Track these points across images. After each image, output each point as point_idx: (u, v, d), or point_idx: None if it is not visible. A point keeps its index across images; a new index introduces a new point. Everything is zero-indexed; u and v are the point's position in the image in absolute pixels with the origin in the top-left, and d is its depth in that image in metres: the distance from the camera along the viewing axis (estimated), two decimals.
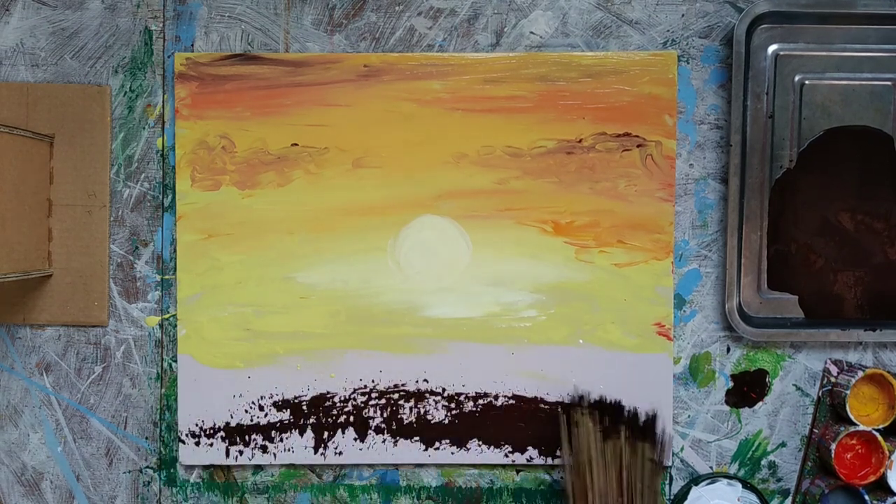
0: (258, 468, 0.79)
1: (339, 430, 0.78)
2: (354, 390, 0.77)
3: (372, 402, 0.77)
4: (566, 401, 0.76)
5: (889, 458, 0.74)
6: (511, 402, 0.77)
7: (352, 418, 0.77)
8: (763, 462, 0.78)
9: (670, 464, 0.77)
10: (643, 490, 0.72)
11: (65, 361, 0.79)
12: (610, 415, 0.75)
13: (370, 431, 0.77)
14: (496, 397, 0.77)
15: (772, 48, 0.75)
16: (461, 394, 0.77)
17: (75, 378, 0.79)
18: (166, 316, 0.79)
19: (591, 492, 0.71)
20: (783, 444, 0.78)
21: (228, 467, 0.79)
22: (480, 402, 0.77)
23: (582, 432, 0.73)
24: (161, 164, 0.78)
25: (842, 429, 0.74)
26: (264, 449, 0.78)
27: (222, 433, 0.78)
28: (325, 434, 0.78)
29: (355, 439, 0.77)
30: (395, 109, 0.77)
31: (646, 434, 0.74)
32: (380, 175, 0.77)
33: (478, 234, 0.77)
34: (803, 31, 0.75)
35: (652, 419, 0.75)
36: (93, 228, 0.78)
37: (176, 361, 0.78)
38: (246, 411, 0.78)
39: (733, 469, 0.78)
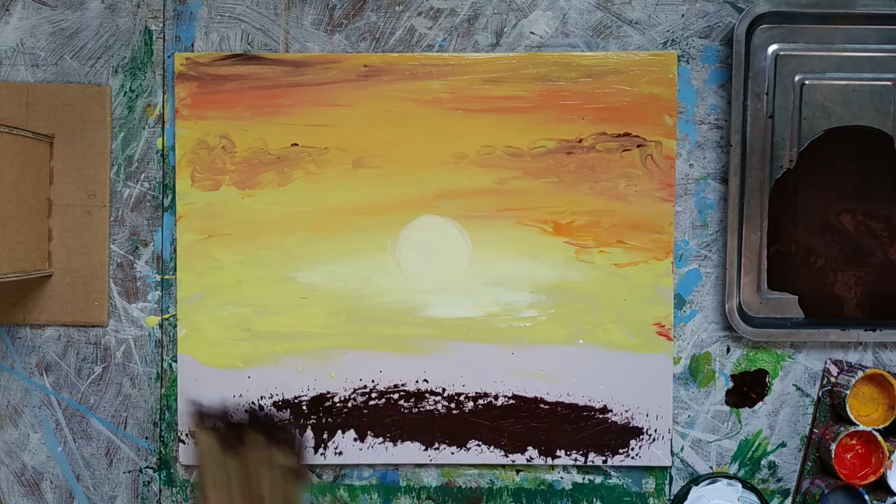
0: None
1: (339, 430, 0.78)
2: (354, 390, 0.77)
3: (372, 402, 0.77)
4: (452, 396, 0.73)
5: (889, 458, 0.74)
6: (511, 402, 0.77)
7: (352, 418, 0.77)
8: (763, 462, 0.78)
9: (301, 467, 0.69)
10: (273, 500, 0.63)
11: (65, 361, 0.79)
12: (236, 424, 0.66)
13: (370, 431, 0.77)
14: (496, 397, 0.77)
15: (772, 48, 0.75)
16: (461, 394, 0.77)
17: (75, 378, 0.79)
18: (166, 316, 0.79)
19: None
20: (783, 444, 0.78)
21: None
22: (480, 402, 0.77)
23: (202, 450, 0.64)
24: (161, 164, 0.78)
25: (842, 429, 0.74)
26: None
27: None
28: (325, 434, 0.78)
29: (355, 439, 0.77)
30: (395, 109, 0.77)
31: (279, 440, 0.65)
32: (380, 175, 0.77)
33: (478, 234, 0.77)
34: (803, 31, 0.75)
35: (285, 423, 0.71)
36: (93, 228, 0.78)
37: (176, 361, 0.78)
38: (246, 411, 0.78)
39: (733, 469, 0.78)
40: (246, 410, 0.71)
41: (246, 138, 0.77)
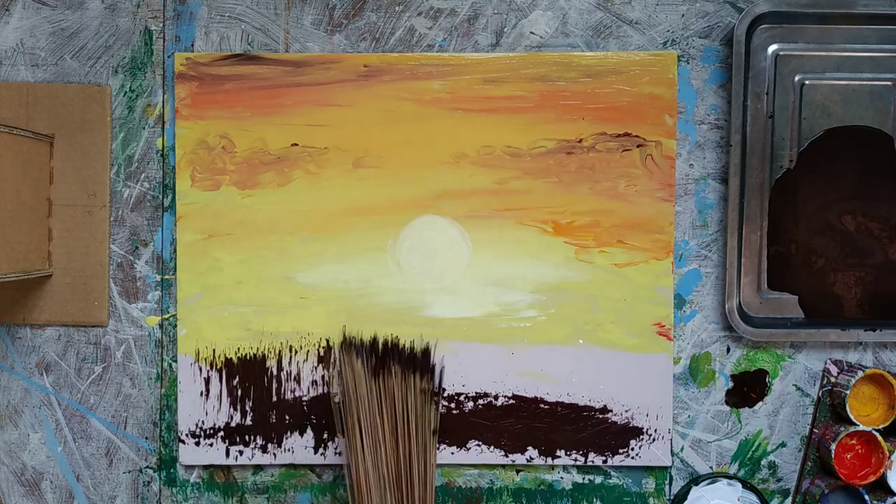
0: (258, 468, 0.79)
1: (340, 431, 0.77)
2: None
3: None
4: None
5: (889, 458, 0.74)
6: (511, 402, 0.77)
7: None
8: (763, 462, 0.78)
9: (438, 390, 0.76)
10: (416, 420, 0.72)
11: (65, 361, 0.79)
12: (384, 353, 0.74)
13: None
14: (496, 397, 0.77)
15: (772, 48, 0.75)
16: (461, 394, 0.77)
17: (75, 378, 0.79)
18: (166, 316, 0.79)
19: (360, 429, 0.71)
20: (783, 444, 0.78)
21: (228, 467, 0.79)
22: (480, 402, 0.77)
23: (348, 373, 0.73)
24: (161, 164, 0.78)
25: (842, 429, 0.74)
26: (264, 449, 0.78)
27: (222, 433, 0.78)
28: (325, 434, 0.78)
29: None
30: (395, 109, 0.77)
31: (418, 366, 0.74)
32: (380, 175, 0.77)
33: (478, 234, 0.77)
34: (803, 31, 0.75)
35: (425, 351, 0.75)
36: (93, 228, 0.78)
37: (176, 361, 0.78)
38: (246, 412, 0.78)
39: (733, 469, 0.78)
40: (386, 343, 0.75)
41: (246, 138, 0.77)
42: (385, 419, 0.72)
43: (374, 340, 0.75)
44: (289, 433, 0.78)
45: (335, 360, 0.76)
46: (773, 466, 0.78)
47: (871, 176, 0.76)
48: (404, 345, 0.75)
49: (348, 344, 0.75)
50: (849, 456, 0.75)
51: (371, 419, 0.71)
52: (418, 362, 0.74)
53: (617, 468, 0.78)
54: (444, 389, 0.76)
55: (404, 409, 0.72)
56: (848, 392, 0.74)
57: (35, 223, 0.75)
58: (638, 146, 0.76)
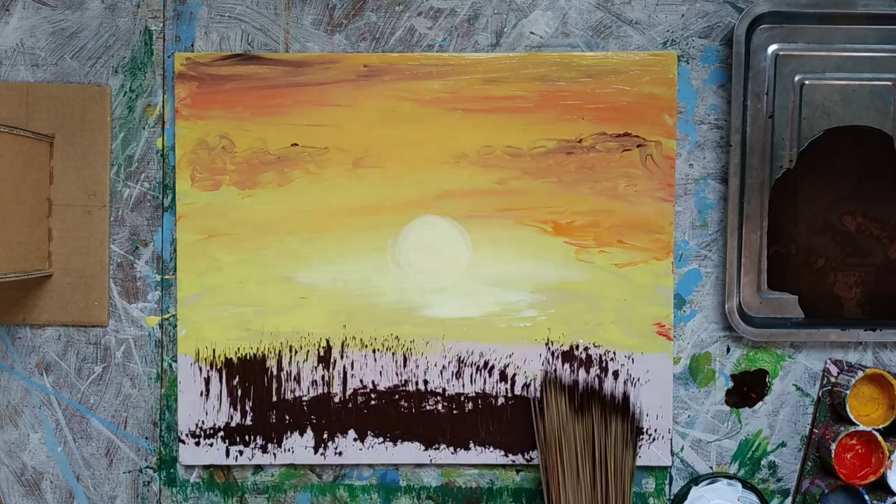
0: (258, 468, 0.79)
1: (339, 431, 0.78)
2: (354, 391, 0.77)
3: (372, 403, 0.77)
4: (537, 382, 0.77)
5: (889, 458, 0.74)
6: (511, 402, 0.77)
7: (352, 419, 0.77)
8: (763, 462, 0.78)
9: (637, 435, 0.76)
10: (614, 465, 0.73)
11: (65, 361, 0.79)
12: (582, 394, 0.75)
13: (370, 432, 0.77)
14: (496, 397, 0.77)
15: (772, 48, 0.75)
16: (461, 394, 0.77)
17: (75, 378, 0.79)
18: (166, 316, 0.79)
19: (563, 469, 0.72)
20: (783, 444, 0.78)
21: (228, 467, 0.79)
22: (480, 402, 0.77)
23: (552, 411, 0.74)
24: (161, 164, 0.78)
25: (842, 429, 0.74)
26: (264, 449, 0.78)
27: (222, 433, 0.78)
28: (326, 434, 0.78)
29: (355, 439, 0.78)
30: (395, 109, 0.77)
31: (618, 410, 0.75)
32: (380, 175, 0.77)
33: (478, 234, 0.77)
34: (803, 31, 0.75)
35: (625, 396, 0.76)
36: (93, 228, 0.78)
37: (176, 361, 0.78)
38: (246, 412, 0.78)
39: (733, 469, 0.78)
40: (585, 384, 0.76)
41: (246, 138, 0.77)
42: (585, 458, 0.72)
43: (576, 382, 0.76)
44: (289, 433, 0.78)
45: (538, 396, 0.76)
46: (773, 466, 0.78)
47: (871, 176, 0.76)
48: (605, 388, 0.76)
49: (552, 381, 0.76)
50: (849, 456, 0.75)
51: (572, 457, 0.72)
52: (618, 405, 0.75)
53: None
54: (643, 430, 0.76)
55: (602, 452, 0.73)
56: (848, 392, 0.74)
57: (35, 223, 0.75)
58: (638, 146, 0.76)
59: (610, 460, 0.72)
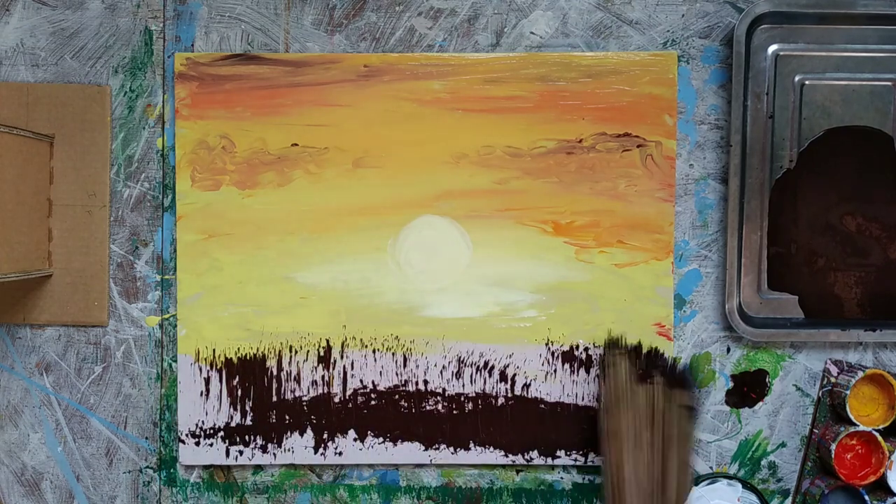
0: (258, 468, 0.79)
1: (340, 431, 0.78)
2: (354, 391, 0.77)
3: (372, 403, 0.77)
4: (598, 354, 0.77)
5: (889, 458, 0.74)
6: (511, 402, 0.77)
7: (352, 419, 0.77)
8: (763, 462, 0.78)
9: (697, 409, 0.76)
10: (676, 436, 0.72)
11: (65, 361, 0.79)
12: (645, 361, 0.75)
13: (370, 432, 0.77)
14: (496, 397, 0.77)
15: (772, 48, 0.75)
16: (461, 394, 0.77)
17: (75, 378, 0.79)
18: (166, 316, 0.79)
19: (624, 431, 0.71)
20: (783, 445, 0.78)
21: (228, 467, 0.79)
22: (480, 402, 0.77)
23: (617, 372, 0.73)
24: (161, 164, 0.78)
25: (842, 429, 0.74)
26: (264, 449, 0.78)
27: (222, 433, 0.78)
28: (326, 434, 0.78)
29: (355, 439, 0.78)
30: (395, 109, 0.77)
31: (680, 382, 0.73)
32: (380, 175, 0.77)
33: (478, 234, 0.77)
34: (803, 32, 0.75)
35: (685, 368, 0.76)
36: (93, 228, 0.78)
37: (176, 361, 0.78)
38: (246, 412, 0.78)
39: (733, 469, 0.78)
40: (650, 351, 0.76)
41: (246, 138, 0.77)
42: (645, 427, 0.71)
43: (640, 345, 0.76)
44: (289, 433, 0.78)
45: (600, 362, 0.75)
46: (773, 466, 0.78)
47: (871, 176, 0.76)
48: (667, 357, 0.75)
49: (614, 345, 0.75)
50: (849, 456, 0.75)
51: (635, 425, 0.71)
52: (679, 377, 0.73)
53: None
54: (698, 407, 0.76)
55: (662, 422, 0.71)
56: (848, 392, 0.74)
57: (35, 223, 0.75)
58: (638, 146, 0.76)
59: (673, 429, 0.71)
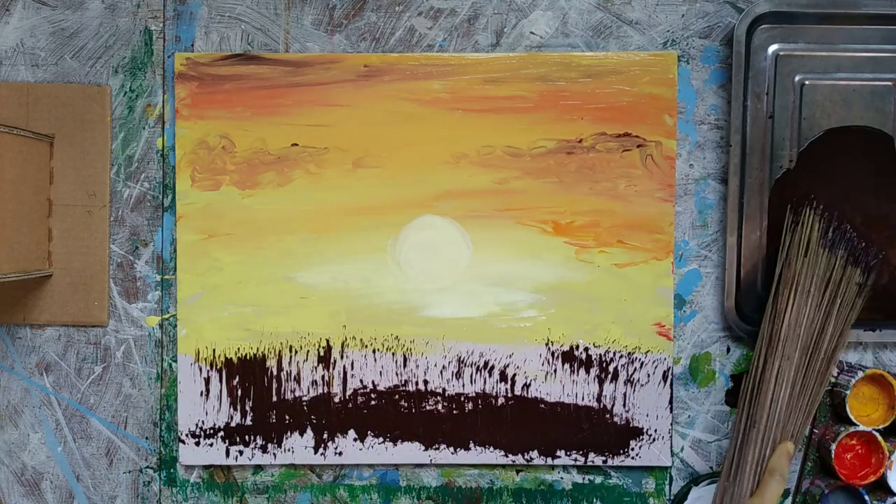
0: (258, 468, 0.79)
1: (340, 431, 0.78)
2: (354, 391, 0.77)
3: (372, 403, 0.77)
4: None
5: (889, 458, 0.74)
6: (511, 402, 0.77)
7: (352, 419, 0.77)
8: None
9: (870, 288, 0.75)
10: (841, 305, 0.72)
11: (65, 361, 0.79)
12: (835, 230, 0.74)
13: (370, 432, 0.78)
14: (496, 397, 0.77)
15: (772, 48, 0.75)
16: (461, 394, 0.77)
17: (75, 378, 0.79)
18: (166, 316, 0.79)
19: (799, 281, 0.72)
20: None
21: (228, 467, 0.79)
22: (480, 402, 0.77)
23: (810, 230, 0.74)
24: (161, 164, 0.78)
25: (842, 429, 0.74)
26: (264, 449, 0.78)
27: (222, 433, 0.78)
28: (326, 434, 0.78)
29: (355, 440, 0.78)
30: (395, 109, 0.77)
31: (862, 261, 0.74)
32: (380, 175, 0.77)
33: (478, 234, 0.77)
34: (804, 32, 0.75)
35: (874, 251, 0.75)
36: (93, 228, 0.78)
37: (176, 361, 0.78)
38: (246, 412, 0.78)
39: None
40: (839, 229, 0.75)
41: (246, 138, 0.77)
42: (819, 287, 0.72)
43: (831, 218, 0.75)
44: (289, 433, 0.78)
45: (793, 215, 0.76)
46: None
47: (871, 176, 0.76)
48: (853, 235, 0.75)
49: (814, 205, 0.75)
50: (849, 456, 0.75)
51: (811, 280, 0.72)
52: (862, 256, 0.74)
53: (617, 468, 0.78)
54: (870, 284, 0.75)
55: (836, 291, 0.72)
56: (848, 392, 0.74)
57: (35, 223, 0.75)
58: (638, 146, 0.76)
59: (838, 302, 0.72)
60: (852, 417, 0.74)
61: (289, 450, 0.78)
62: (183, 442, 0.78)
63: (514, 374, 0.77)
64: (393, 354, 0.77)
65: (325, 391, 0.77)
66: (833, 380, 0.77)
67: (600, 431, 0.77)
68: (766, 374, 0.71)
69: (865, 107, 0.76)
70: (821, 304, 0.72)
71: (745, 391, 0.72)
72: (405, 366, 0.77)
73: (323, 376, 0.77)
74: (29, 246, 0.74)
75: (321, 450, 0.78)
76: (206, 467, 0.79)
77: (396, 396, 0.77)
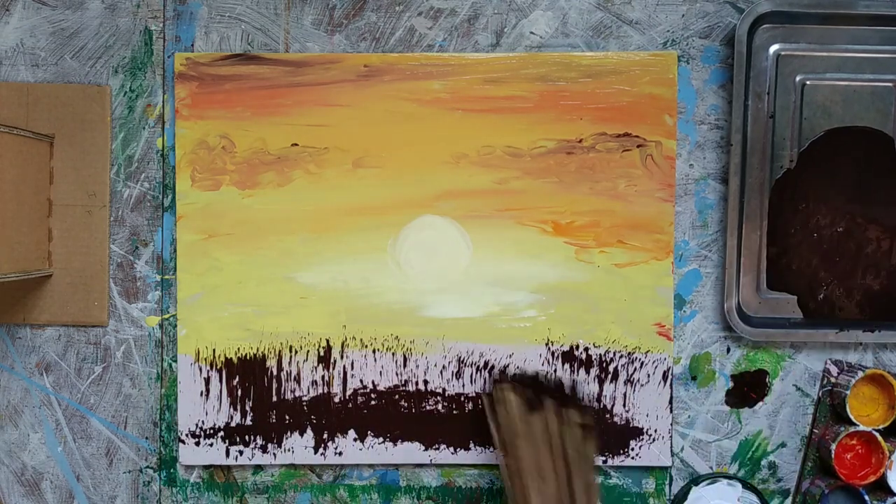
0: (258, 468, 0.79)
1: (340, 431, 0.78)
2: (355, 391, 0.77)
3: (372, 403, 0.77)
4: (487, 383, 0.76)
5: (889, 458, 0.74)
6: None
7: (352, 419, 0.77)
8: (763, 462, 0.78)
9: (592, 426, 0.73)
10: (576, 457, 0.69)
11: (65, 361, 0.79)
12: (532, 386, 0.72)
13: (370, 432, 0.78)
14: None
15: (773, 48, 0.75)
16: (461, 394, 0.77)
17: (75, 378, 0.79)
18: (166, 316, 0.79)
19: (526, 467, 0.69)
20: (783, 445, 0.78)
21: (228, 467, 0.79)
22: (480, 402, 0.77)
23: (506, 409, 0.71)
24: (161, 164, 0.78)
25: (842, 429, 0.74)
26: (264, 449, 0.78)
27: (222, 433, 0.78)
28: (325, 434, 0.78)
29: (355, 439, 0.78)
30: (395, 109, 0.77)
31: (571, 400, 0.72)
32: (380, 175, 0.77)
33: (478, 234, 0.77)
34: (805, 32, 0.75)
35: (573, 385, 0.74)
36: (93, 228, 0.78)
37: (176, 361, 0.78)
38: (246, 412, 0.78)
39: (733, 469, 0.78)
40: (535, 376, 0.74)
41: (246, 138, 0.77)
42: (545, 456, 0.69)
43: (523, 373, 0.74)
44: (289, 433, 0.78)
45: (489, 399, 0.73)
46: (773, 466, 0.78)
47: (871, 177, 0.76)
48: (550, 378, 0.74)
49: (499, 380, 0.74)
50: (849, 456, 0.75)
51: (535, 457, 0.69)
52: (569, 395, 0.72)
53: (617, 468, 0.78)
54: (592, 423, 0.73)
55: (562, 446, 0.69)
56: (848, 392, 0.74)
57: (35, 223, 0.75)
58: (638, 146, 0.76)
59: (572, 451, 0.69)
60: (852, 417, 0.74)
61: (289, 450, 0.78)
62: (183, 442, 0.78)
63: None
64: (393, 354, 0.77)
65: (325, 391, 0.77)
66: (833, 380, 0.77)
67: (600, 431, 0.77)
68: None
69: (866, 107, 0.75)
70: (556, 473, 0.68)
71: None
72: (405, 366, 0.77)
73: (323, 376, 0.77)
74: (29, 246, 0.74)
75: (321, 450, 0.78)
76: (206, 467, 0.79)
77: (396, 396, 0.77)
